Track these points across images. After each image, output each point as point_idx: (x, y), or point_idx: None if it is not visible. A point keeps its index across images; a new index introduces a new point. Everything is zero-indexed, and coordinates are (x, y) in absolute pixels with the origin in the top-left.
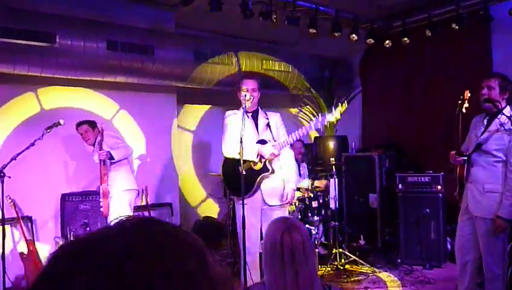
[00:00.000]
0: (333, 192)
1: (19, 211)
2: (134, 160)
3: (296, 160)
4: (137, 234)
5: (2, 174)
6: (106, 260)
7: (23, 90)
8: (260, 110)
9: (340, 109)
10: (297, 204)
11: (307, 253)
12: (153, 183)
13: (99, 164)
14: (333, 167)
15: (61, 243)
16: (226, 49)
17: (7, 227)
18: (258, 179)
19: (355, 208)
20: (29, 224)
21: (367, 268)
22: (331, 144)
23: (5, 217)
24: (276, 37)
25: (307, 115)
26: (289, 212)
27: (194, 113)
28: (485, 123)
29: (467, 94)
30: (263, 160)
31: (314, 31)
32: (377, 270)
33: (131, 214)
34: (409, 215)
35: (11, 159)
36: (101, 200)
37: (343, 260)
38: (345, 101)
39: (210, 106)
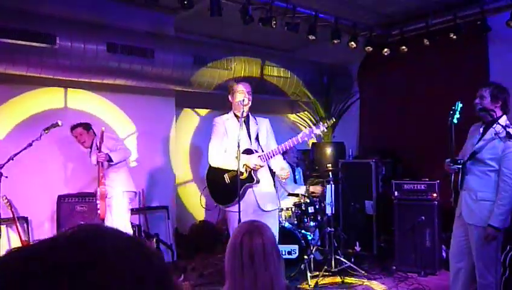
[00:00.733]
0: (329, 198)
1: (14, 212)
2: (132, 162)
3: (291, 164)
4: (89, 247)
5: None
6: (53, 271)
7: (22, 90)
8: (250, 115)
9: (328, 123)
10: (293, 209)
11: (267, 257)
12: (149, 186)
13: (97, 166)
14: (330, 173)
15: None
16: (225, 54)
17: (3, 227)
18: (242, 189)
19: (351, 214)
20: (25, 225)
21: (362, 274)
22: (328, 150)
23: (1, 217)
24: (276, 43)
25: (305, 121)
26: (285, 218)
27: (193, 117)
28: (481, 132)
29: (458, 105)
30: (248, 170)
31: (314, 37)
32: (371, 277)
33: (128, 215)
34: (405, 223)
35: (9, 159)
36: (98, 202)
37: (338, 266)
38: (332, 118)
39: (209, 109)
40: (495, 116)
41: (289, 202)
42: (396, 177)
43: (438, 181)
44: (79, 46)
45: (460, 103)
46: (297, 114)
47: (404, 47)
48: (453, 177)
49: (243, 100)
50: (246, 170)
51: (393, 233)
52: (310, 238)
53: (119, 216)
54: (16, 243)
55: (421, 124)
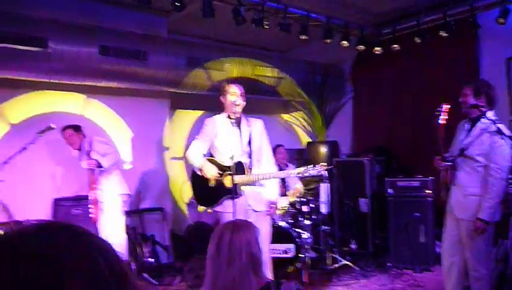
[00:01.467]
0: (324, 197)
1: (10, 216)
2: (126, 165)
3: (279, 165)
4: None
5: None
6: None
7: (15, 94)
8: (243, 116)
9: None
10: (288, 209)
11: (233, 255)
12: (145, 188)
13: (87, 171)
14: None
15: None
16: (218, 55)
17: None
18: (223, 197)
19: (345, 212)
20: None
21: (358, 272)
22: (323, 149)
23: None
24: (268, 44)
25: (299, 120)
26: (280, 217)
27: (187, 119)
28: (467, 128)
29: (446, 107)
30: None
31: (306, 37)
32: (367, 274)
33: (123, 218)
34: (399, 220)
35: (3, 163)
36: (90, 206)
37: (334, 264)
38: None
39: (203, 111)
40: (483, 111)
41: (284, 201)
42: (390, 175)
43: (432, 178)
44: (71, 49)
45: (447, 104)
46: (291, 114)
47: (396, 45)
48: (441, 173)
49: (235, 101)
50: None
51: (388, 230)
52: (305, 237)
53: (112, 220)
54: None
55: (413, 122)
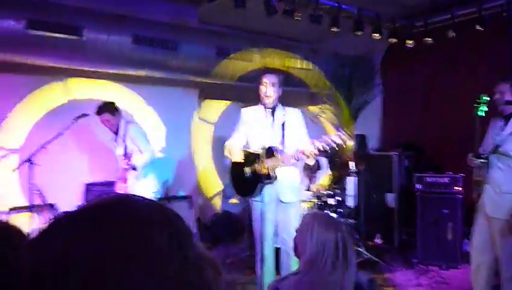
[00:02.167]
0: (351, 190)
1: (43, 199)
2: (157, 153)
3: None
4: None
5: (31, 161)
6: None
7: (51, 80)
8: (280, 106)
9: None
10: (314, 201)
11: (352, 248)
12: (173, 177)
13: (119, 160)
14: (351, 165)
15: None
16: (248, 46)
17: (34, 214)
18: (260, 184)
19: (372, 206)
20: (53, 212)
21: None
22: (350, 142)
23: (32, 204)
24: (298, 34)
25: (326, 113)
26: (307, 209)
27: (215, 108)
28: (501, 125)
29: (486, 99)
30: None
31: (337, 29)
32: (392, 269)
33: None
34: (427, 216)
35: (41, 147)
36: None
37: (359, 258)
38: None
39: (230, 101)
40: None
41: (310, 193)
42: (419, 170)
43: (462, 175)
44: (105, 37)
45: (487, 95)
46: (319, 106)
47: (428, 38)
48: (474, 171)
49: (265, 90)
50: (262, 168)
51: (415, 226)
52: None
53: None
54: None
55: (444, 117)
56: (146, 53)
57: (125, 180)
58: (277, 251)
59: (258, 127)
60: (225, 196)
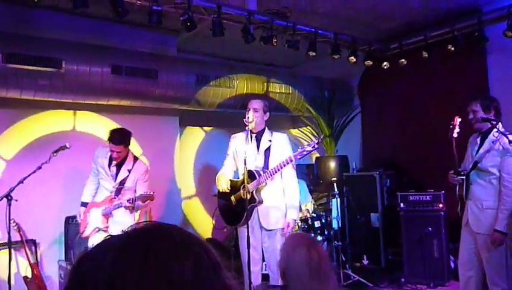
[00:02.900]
0: (335, 212)
1: (23, 235)
2: None
3: None
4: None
5: (9, 197)
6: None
7: (30, 114)
8: (267, 131)
9: (319, 138)
10: (300, 225)
11: (329, 267)
12: (155, 204)
13: (111, 192)
14: (334, 186)
15: (65, 266)
16: (227, 73)
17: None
18: (246, 210)
19: (357, 227)
20: (34, 247)
21: (371, 288)
22: (332, 164)
23: (11, 240)
24: (276, 60)
25: (307, 135)
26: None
27: (196, 135)
28: (478, 142)
29: (457, 120)
30: (250, 191)
31: (314, 54)
32: None
33: None
34: (412, 234)
35: (19, 183)
36: (80, 219)
37: (347, 281)
38: (322, 136)
39: (211, 127)
40: (495, 124)
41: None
42: (401, 189)
43: (443, 192)
44: (84, 69)
45: (459, 117)
46: (300, 129)
47: (403, 60)
48: (457, 187)
49: (247, 117)
50: (248, 192)
51: (400, 245)
52: None
53: None
54: (25, 266)
55: (423, 135)
56: (126, 83)
57: (108, 212)
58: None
59: (243, 153)
60: (215, 226)
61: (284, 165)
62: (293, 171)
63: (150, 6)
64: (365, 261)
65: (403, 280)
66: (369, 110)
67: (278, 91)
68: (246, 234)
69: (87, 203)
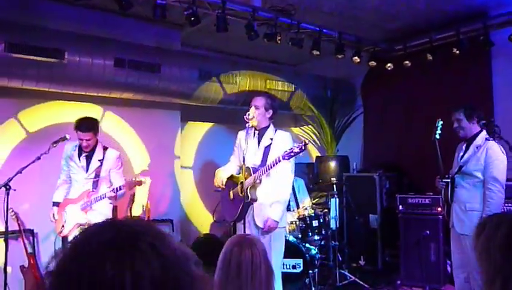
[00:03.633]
0: (334, 212)
1: (21, 224)
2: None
3: None
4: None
5: (7, 187)
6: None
7: (31, 104)
8: (271, 128)
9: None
10: (297, 223)
11: (255, 270)
12: (155, 199)
13: (86, 182)
14: (334, 186)
15: None
16: (230, 68)
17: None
18: (241, 206)
19: (355, 228)
20: (31, 237)
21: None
22: (332, 164)
23: (8, 230)
24: (280, 58)
25: (308, 134)
26: (289, 231)
27: (197, 130)
28: (463, 148)
29: (439, 122)
30: (245, 188)
31: (318, 52)
32: None
33: None
34: (410, 237)
35: (17, 173)
36: (56, 218)
37: (343, 281)
38: (306, 140)
39: (213, 123)
40: (479, 131)
41: (293, 216)
42: (401, 191)
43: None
44: (87, 60)
45: (441, 120)
46: (301, 127)
47: (407, 61)
48: (443, 191)
49: (248, 114)
50: (241, 190)
51: (398, 247)
52: (314, 252)
53: None
54: (22, 256)
55: (425, 138)
56: (128, 76)
57: (87, 206)
58: None
59: (246, 149)
60: (216, 220)
61: (273, 165)
62: (287, 168)
63: (155, 0)
64: (362, 262)
65: (399, 282)
66: (372, 111)
67: (281, 89)
68: (242, 231)
69: (59, 203)
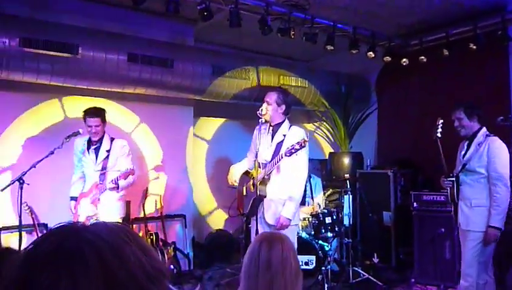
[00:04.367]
0: (347, 208)
1: (35, 218)
2: (150, 171)
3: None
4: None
5: (21, 181)
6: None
7: (45, 99)
8: (285, 124)
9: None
10: (310, 220)
11: (284, 265)
12: (167, 194)
13: (97, 180)
14: (347, 183)
15: None
16: (243, 64)
17: (24, 234)
18: (251, 201)
19: (369, 225)
20: (45, 231)
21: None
22: (346, 160)
23: (22, 224)
24: (293, 53)
25: (322, 130)
26: (302, 228)
27: (210, 126)
28: (465, 146)
29: (439, 120)
30: (255, 183)
31: (332, 48)
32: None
33: None
34: (424, 234)
35: (31, 167)
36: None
37: (356, 278)
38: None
39: (225, 119)
40: (479, 128)
41: (306, 212)
42: (415, 188)
43: None
44: (101, 55)
45: (441, 118)
46: (314, 124)
47: (423, 57)
48: (449, 190)
49: (260, 110)
50: (253, 185)
51: (412, 245)
52: (327, 249)
53: None
54: None
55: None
56: (141, 71)
57: (95, 200)
58: None
59: (259, 144)
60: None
61: (277, 162)
62: (300, 166)
63: None
64: (375, 260)
65: (413, 280)
66: (386, 107)
67: (294, 85)
68: (255, 226)
69: (76, 198)
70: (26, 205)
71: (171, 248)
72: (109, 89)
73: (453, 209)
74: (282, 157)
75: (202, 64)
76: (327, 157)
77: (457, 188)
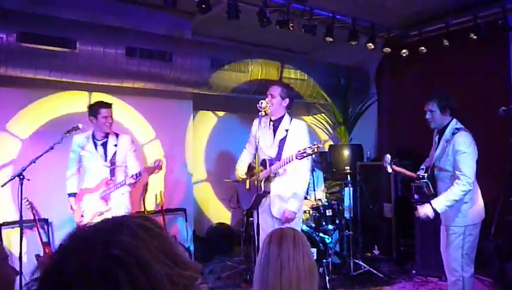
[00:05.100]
0: (347, 201)
1: (36, 214)
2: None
3: None
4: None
5: (21, 176)
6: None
7: (44, 94)
8: (286, 118)
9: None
10: (311, 212)
11: (297, 260)
12: (168, 188)
13: (107, 176)
14: (348, 175)
15: None
16: (242, 57)
17: (24, 229)
18: (254, 197)
19: (369, 217)
20: (46, 227)
21: (381, 279)
22: (346, 152)
23: (23, 219)
24: (293, 45)
25: (321, 123)
26: (303, 221)
27: (209, 119)
28: (437, 141)
29: (386, 157)
30: (260, 180)
31: (331, 39)
32: (391, 281)
33: None
34: (425, 226)
35: (31, 162)
36: (75, 207)
37: (357, 270)
38: (318, 144)
39: (225, 112)
40: (449, 121)
41: (307, 205)
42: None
43: None
44: (98, 50)
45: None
46: (314, 116)
47: (422, 48)
48: (425, 189)
49: (261, 103)
50: (257, 181)
51: (413, 236)
52: (328, 241)
53: None
54: (37, 245)
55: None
56: (140, 65)
57: (106, 196)
58: None
59: (260, 139)
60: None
61: (287, 162)
62: (305, 167)
63: None
64: (376, 252)
65: (414, 271)
66: (386, 99)
67: (293, 77)
68: (256, 221)
69: (75, 194)
70: (27, 200)
71: None
72: (108, 84)
73: None
74: (292, 159)
75: (201, 57)
76: (327, 149)
77: (434, 184)
